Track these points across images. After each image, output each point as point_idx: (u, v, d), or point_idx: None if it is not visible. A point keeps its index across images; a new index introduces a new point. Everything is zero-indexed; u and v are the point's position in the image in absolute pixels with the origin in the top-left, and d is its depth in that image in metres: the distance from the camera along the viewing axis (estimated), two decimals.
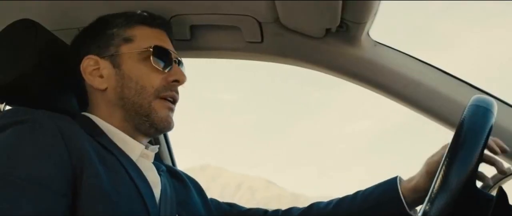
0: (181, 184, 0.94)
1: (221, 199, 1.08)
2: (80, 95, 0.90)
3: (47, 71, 0.88)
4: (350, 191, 0.99)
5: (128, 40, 0.86)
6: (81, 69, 0.85)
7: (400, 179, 0.91)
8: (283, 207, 1.05)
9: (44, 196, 0.63)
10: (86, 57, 0.85)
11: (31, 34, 0.87)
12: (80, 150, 0.69)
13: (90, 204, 0.66)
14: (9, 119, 0.71)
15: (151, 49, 0.84)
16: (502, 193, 0.61)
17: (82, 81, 0.86)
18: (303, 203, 1.03)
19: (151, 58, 0.83)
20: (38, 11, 1.01)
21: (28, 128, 0.69)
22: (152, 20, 0.89)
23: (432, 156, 0.86)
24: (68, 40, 0.94)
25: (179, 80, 0.86)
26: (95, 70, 0.85)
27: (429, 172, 0.84)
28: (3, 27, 0.87)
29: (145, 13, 0.90)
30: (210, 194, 1.03)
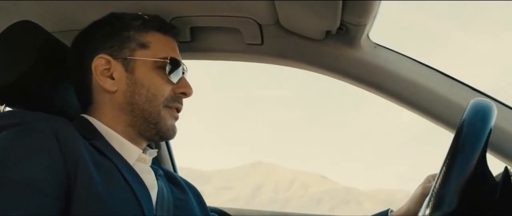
0: (178, 189, 0.93)
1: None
2: (82, 94, 0.88)
3: (47, 72, 0.87)
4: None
5: (144, 46, 0.85)
6: (93, 67, 0.83)
7: (391, 210, 0.98)
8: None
9: (36, 198, 0.63)
10: (98, 56, 0.83)
11: (31, 35, 0.87)
12: (74, 153, 0.69)
13: (83, 208, 0.66)
14: (4, 121, 0.71)
15: (168, 61, 0.84)
16: (506, 174, 0.61)
17: (89, 79, 0.84)
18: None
19: (167, 69, 0.84)
20: (38, 12, 1.02)
21: (23, 131, 0.68)
22: (167, 29, 0.89)
23: (429, 182, 0.93)
24: (68, 42, 0.93)
25: (186, 93, 0.88)
26: (105, 70, 0.83)
27: (425, 195, 0.87)
28: (3, 28, 0.87)
29: (160, 20, 0.90)
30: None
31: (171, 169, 1.45)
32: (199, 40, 1.09)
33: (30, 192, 0.63)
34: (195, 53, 1.11)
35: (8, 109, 0.90)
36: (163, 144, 1.39)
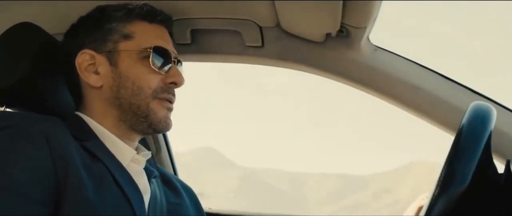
0: (173, 192, 0.91)
1: None
2: (74, 92, 0.87)
3: (47, 74, 0.87)
4: None
5: (127, 36, 0.82)
6: (76, 64, 0.81)
7: None
8: None
9: (21, 204, 0.61)
10: (81, 52, 0.81)
11: (32, 37, 0.87)
12: (65, 157, 0.67)
13: (73, 213, 0.65)
14: None
15: (151, 50, 0.81)
16: (508, 168, 0.61)
17: (76, 76, 0.82)
18: None
19: (150, 59, 0.80)
20: (39, 14, 1.02)
21: (12, 135, 0.66)
22: (153, 16, 0.85)
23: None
24: None
25: (177, 83, 0.84)
26: (90, 65, 0.81)
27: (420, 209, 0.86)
28: (4, 30, 0.87)
29: (146, 8, 0.86)
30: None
31: (172, 171, 1.44)
32: (199, 42, 1.09)
33: (16, 198, 0.61)
34: (195, 55, 1.11)
35: (8, 110, 0.90)
36: (163, 145, 1.38)
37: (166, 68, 0.82)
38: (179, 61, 0.87)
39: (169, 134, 1.41)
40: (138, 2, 0.86)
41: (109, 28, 0.83)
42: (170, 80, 0.83)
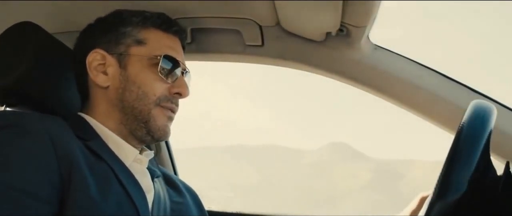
0: (176, 192, 0.92)
1: None
2: (81, 90, 0.88)
3: (47, 74, 0.87)
4: None
5: (140, 42, 0.83)
6: (87, 62, 0.82)
7: None
8: None
9: (26, 203, 0.61)
10: (93, 51, 0.83)
11: (32, 36, 0.87)
12: (68, 157, 0.67)
13: (77, 212, 0.65)
14: None
15: (161, 58, 0.82)
16: (508, 169, 0.61)
17: (85, 74, 0.84)
18: None
19: (159, 67, 0.81)
20: (39, 14, 1.02)
21: (16, 133, 0.66)
22: (169, 26, 0.87)
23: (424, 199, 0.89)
24: (69, 43, 0.94)
25: (182, 94, 0.85)
26: (100, 65, 0.83)
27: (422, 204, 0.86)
28: (4, 29, 0.88)
29: (163, 17, 0.88)
30: None
31: (172, 171, 1.44)
32: (199, 42, 1.09)
33: (21, 196, 0.61)
34: (195, 54, 1.12)
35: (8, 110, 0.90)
36: (163, 146, 1.38)
37: (173, 78, 0.84)
38: (187, 72, 0.89)
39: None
40: (142, 4, 0.86)
41: (124, 32, 0.84)
42: (175, 90, 0.84)
